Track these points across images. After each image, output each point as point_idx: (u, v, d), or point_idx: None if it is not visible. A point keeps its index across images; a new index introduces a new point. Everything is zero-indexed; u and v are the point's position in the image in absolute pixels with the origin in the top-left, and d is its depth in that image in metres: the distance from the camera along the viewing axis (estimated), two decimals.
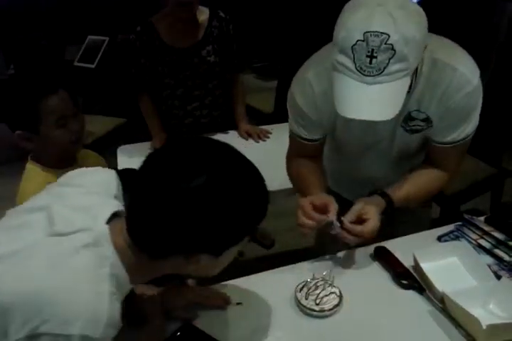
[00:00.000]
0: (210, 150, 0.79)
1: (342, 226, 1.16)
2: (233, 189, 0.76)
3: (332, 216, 1.17)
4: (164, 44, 2.01)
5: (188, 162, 0.75)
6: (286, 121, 2.45)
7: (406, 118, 1.21)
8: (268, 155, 2.10)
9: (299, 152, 1.40)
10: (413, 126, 1.22)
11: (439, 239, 1.33)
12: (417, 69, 1.04)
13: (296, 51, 3.66)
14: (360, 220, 1.17)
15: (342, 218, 1.17)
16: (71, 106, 1.30)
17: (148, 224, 0.77)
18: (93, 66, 3.21)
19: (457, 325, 1.05)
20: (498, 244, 1.27)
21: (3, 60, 3.51)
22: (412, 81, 1.04)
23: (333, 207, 1.18)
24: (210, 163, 0.76)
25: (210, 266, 0.86)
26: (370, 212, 1.17)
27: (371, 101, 0.98)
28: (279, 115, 3.64)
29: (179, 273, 0.91)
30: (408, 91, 1.04)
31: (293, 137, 1.38)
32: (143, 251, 0.80)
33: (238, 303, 1.13)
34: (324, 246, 1.40)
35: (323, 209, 1.19)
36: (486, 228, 1.32)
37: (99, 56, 3.20)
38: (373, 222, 1.16)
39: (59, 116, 1.25)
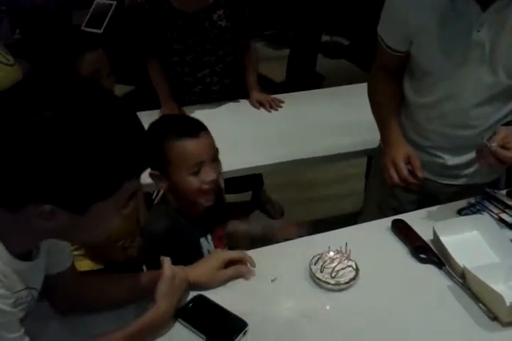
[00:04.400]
0: (64, 85, 0.68)
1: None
2: (86, 127, 0.65)
3: (421, 173, 1.22)
4: (173, 8, 1.92)
5: (34, 98, 0.65)
6: (299, 89, 2.43)
7: None
8: (280, 124, 2.05)
9: (381, 62, 1.37)
10: None
11: (459, 212, 1.28)
12: None
13: (308, 18, 3.54)
14: (502, 147, 1.12)
15: (490, 140, 1.13)
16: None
17: None
18: (100, 31, 3.11)
19: (478, 301, 1.01)
20: None
21: (10, 25, 3.42)
22: None
23: (418, 164, 1.23)
24: (60, 98, 0.65)
25: (79, 227, 0.73)
26: None
27: None
28: (291, 84, 3.61)
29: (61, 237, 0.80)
30: None
31: (380, 45, 1.33)
32: None
33: (272, 280, 1.10)
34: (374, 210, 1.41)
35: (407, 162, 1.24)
36: (509, 202, 1.27)
37: (106, 21, 3.10)
38: None
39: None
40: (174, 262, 1.03)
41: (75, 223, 0.71)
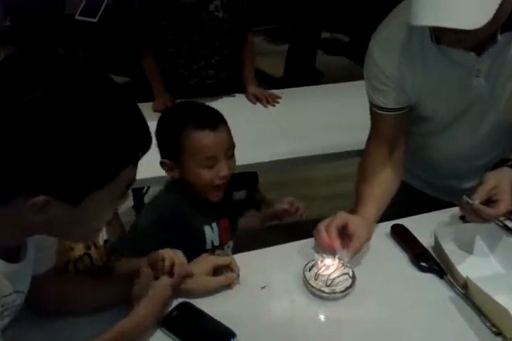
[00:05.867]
0: (52, 64, 0.62)
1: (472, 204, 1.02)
2: (80, 108, 0.59)
3: (351, 254, 1.03)
4: None
5: (20, 77, 0.59)
6: (297, 85, 2.37)
7: None
8: (276, 121, 1.99)
9: (378, 131, 1.22)
10: None
11: (462, 217, 1.22)
12: None
13: (308, 14, 3.47)
14: (489, 200, 1.03)
15: (473, 197, 1.02)
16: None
17: None
18: (95, 20, 3.03)
19: (481, 314, 0.95)
20: None
21: (3, 12, 3.33)
22: None
23: (356, 246, 1.04)
24: (49, 78, 0.59)
25: (73, 220, 0.67)
26: (504, 193, 1.02)
27: (449, 4, 0.82)
28: (290, 80, 3.55)
29: (45, 231, 0.73)
30: None
31: (373, 111, 1.20)
32: None
33: (263, 287, 1.03)
34: None
35: (350, 235, 1.06)
36: None
37: (101, 10, 3.03)
38: (505, 204, 1.01)
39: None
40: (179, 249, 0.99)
41: (68, 216, 0.65)
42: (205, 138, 1.07)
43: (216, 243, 1.20)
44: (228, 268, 1.03)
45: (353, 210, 1.17)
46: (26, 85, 0.58)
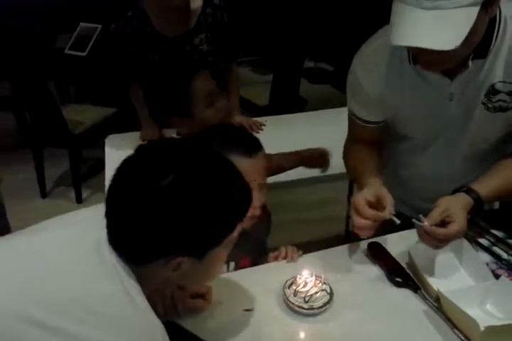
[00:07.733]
0: (177, 150, 0.78)
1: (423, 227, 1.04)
2: (203, 186, 0.74)
3: (388, 212, 1.06)
4: (155, 31, 1.94)
5: (155, 164, 0.75)
6: (281, 113, 2.43)
7: (489, 93, 1.08)
8: None
9: (357, 136, 1.29)
10: (497, 101, 1.08)
11: None
12: (498, 27, 0.99)
13: (291, 44, 3.59)
14: (443, 222, 1.04)
15: (424, 219, 1.04)
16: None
17: (122, 227, 0.75)
18: (84, 54, 3.12)
19: (453, 325, 1.00)
20: (497, 241, 1.22)
21: None
22: (495, 34, 1.00)
23: (389, 201, 1.08)
24: (176, 163, 0.75)
25: (196, 273, 0.82)
26: (455, 215, 1.03)
27: (426, 27, 0.89)
28: (274, 108, 3.63)
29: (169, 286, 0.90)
30: (486, 55, 1.00)
31: (352, 119, 1.27)
32: (121, 257, 0.76)
33: (247, 310, 1.06)
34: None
35: (378, 204, 1.09)
36: (485, 225, 1.27)
37: (90, 44, 3.12)
38: (458, 225, 1.02)
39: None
40: None
41: (194, 269, 0.79)
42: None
43: None
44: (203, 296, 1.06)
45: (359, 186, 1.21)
46: (161, 171, 0.73)
